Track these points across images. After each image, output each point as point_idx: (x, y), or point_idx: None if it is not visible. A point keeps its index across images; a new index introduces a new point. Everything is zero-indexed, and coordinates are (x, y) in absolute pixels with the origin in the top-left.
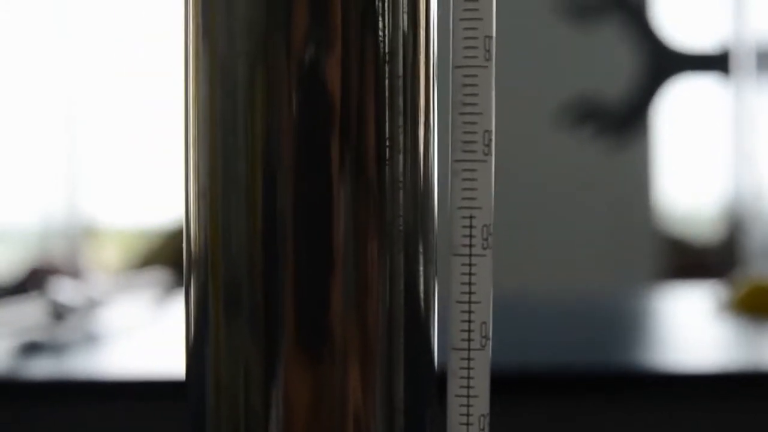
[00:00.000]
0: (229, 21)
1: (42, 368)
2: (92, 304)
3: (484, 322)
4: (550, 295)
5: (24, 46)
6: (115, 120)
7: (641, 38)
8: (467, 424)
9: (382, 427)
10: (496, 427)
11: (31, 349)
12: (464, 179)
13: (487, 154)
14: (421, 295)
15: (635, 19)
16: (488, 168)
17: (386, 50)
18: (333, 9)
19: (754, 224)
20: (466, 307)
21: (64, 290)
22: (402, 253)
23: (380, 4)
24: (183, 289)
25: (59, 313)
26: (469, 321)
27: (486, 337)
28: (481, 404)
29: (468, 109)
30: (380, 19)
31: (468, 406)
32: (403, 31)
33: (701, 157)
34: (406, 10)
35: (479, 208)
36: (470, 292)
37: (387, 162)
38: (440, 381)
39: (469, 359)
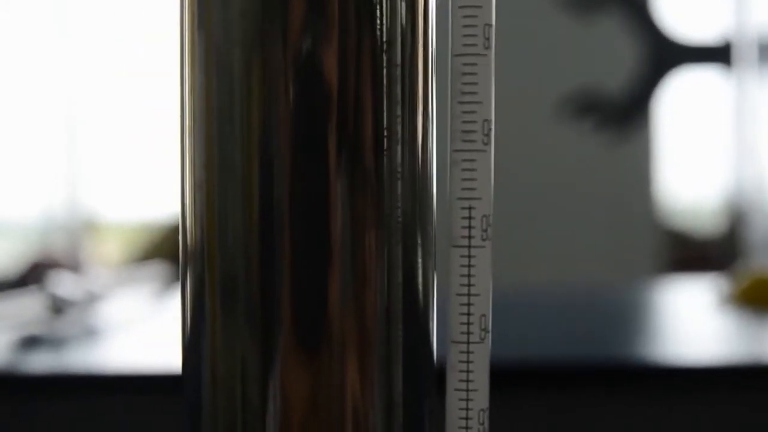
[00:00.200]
0: (225, 12)
1: (41, 362)
2: (92, 298)
3: (484, 315)
4: (550, 287)
5: (24, 44)
6: (115, 115)
7: (642, 30)
8: (466, 418)
9: (380, 420)
10: (495, 420)
11: (31, 343)
12: (463, 169)
13: (487, 143)
14: (420, 287)
15: (636, 11)
16: (488, 158)
17: (384, 39)
18: None
19: (755, 217)
20: (465, 299)
21: (63, 284)
22: (400, 244)
23: None
24: (179, 282)
25: (58, 307)
26: (469, 314)
27: (485, 330)
28: (481, 398)
29: (467, 98)
30: (378, 7)
31: (467, 400)
32: (401, 20)
33: (702, 149)
34: None
35: (479, 198)
36: (469, 284)
37: (385, 152)
38: (439, 374)
39: (468, 352)
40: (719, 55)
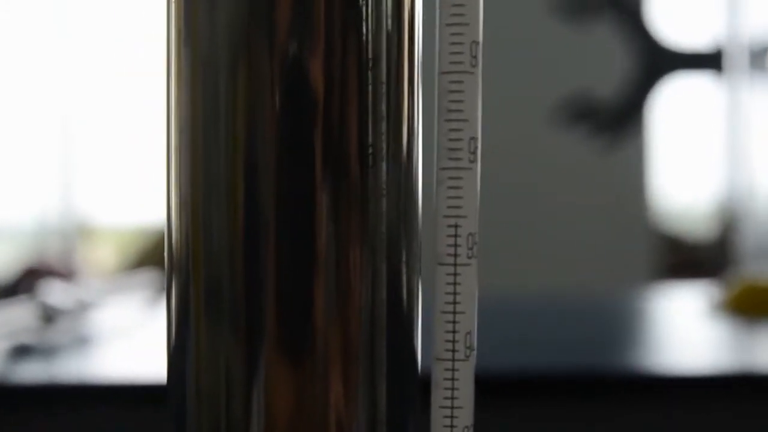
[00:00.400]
0: (212, 25)
1: (32, 371)
2: (83, 307)
3: (469, 333)
4: (544, 294)
5: (20, 46)
6: (109, 120)
7: (635, 37)
8: None
9: None
10: (489, 429)
11: (22, 352)
12: (449, 187)
13: (473, 161)
14: (404, 304)
15: (629, 18)
16: (474, 176)
17: (370, 56)
18: (316, 14)
19: (747, 222)
20: (450, 317)
21: (54, 293)
22: (385, 261)
23: (364, 9)
24: (164, 292)
25: (50, 315)
26: (454, 331)
27: (470, 347)
28: (466, 415)
29: (454, 116)
30: (364, 24)
31: (452, 417)
32: (387, 36)
33: (695, 155)
34: (390, 14)
35: (465, 216)
36: (455, 302)
37: (370, 169)
38: (424, 391)
39: (453, 370)
40: (711, 61)
